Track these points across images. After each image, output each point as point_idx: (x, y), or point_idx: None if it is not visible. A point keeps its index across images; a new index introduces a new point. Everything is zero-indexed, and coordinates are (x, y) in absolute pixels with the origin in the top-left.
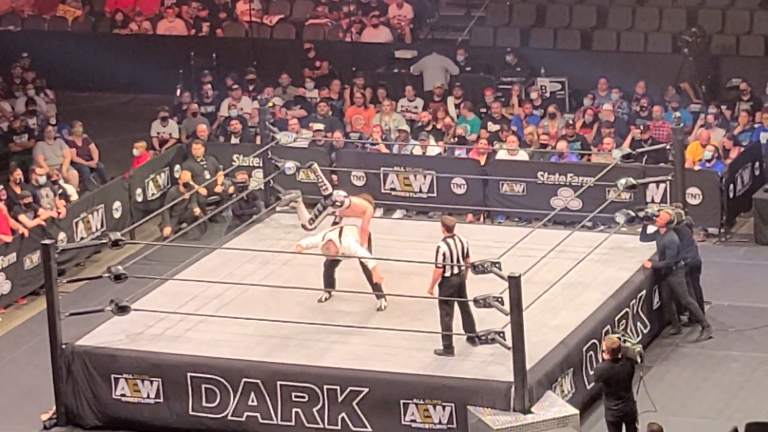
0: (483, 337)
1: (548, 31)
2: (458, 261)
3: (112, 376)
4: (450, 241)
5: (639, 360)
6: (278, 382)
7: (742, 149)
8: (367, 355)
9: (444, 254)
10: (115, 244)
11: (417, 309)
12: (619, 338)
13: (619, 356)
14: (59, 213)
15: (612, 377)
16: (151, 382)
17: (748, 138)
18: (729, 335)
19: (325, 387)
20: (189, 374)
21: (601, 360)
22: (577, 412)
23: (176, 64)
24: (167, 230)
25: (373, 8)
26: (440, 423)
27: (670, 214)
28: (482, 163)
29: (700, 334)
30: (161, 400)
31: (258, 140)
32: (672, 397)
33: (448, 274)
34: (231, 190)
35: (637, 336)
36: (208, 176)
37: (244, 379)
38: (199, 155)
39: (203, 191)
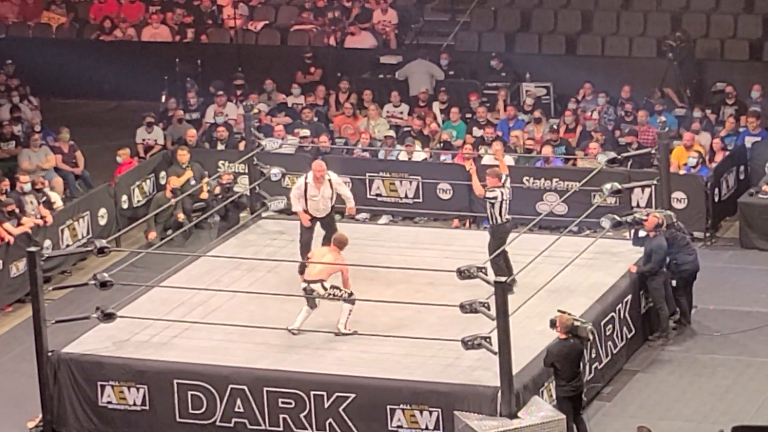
0: (469, 342)
1: (533, 36)
2: (507, 209)
3: (98, 383)
4: (500, 190)
5: (590, 338)
6: (264, 388)
7: (728, 153)
8: (354, 361)
9: (496, 197)
10: (101, 251)
11: (403, 315)
12: (570, 316)
13: (570, 334)
14: (45, 220)
15: (565, 356)
16: (137, 389)
17: (733, 142)
18: (714, 339)
19: (312, 393)
20: (175, 381)
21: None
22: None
23: (161, 70)
24: (152, 235)
25: (358, 14)
26: (427, 428)
27: (658, 218)
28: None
29: (657, 338)
30: (147, 407)
31: (243, 146)
32: (658, 401)
33: (501, 221)
34: (217, 190)
35: (622, 340)
36: (193, 182)
37: (231, 386)
38: (184, 161)
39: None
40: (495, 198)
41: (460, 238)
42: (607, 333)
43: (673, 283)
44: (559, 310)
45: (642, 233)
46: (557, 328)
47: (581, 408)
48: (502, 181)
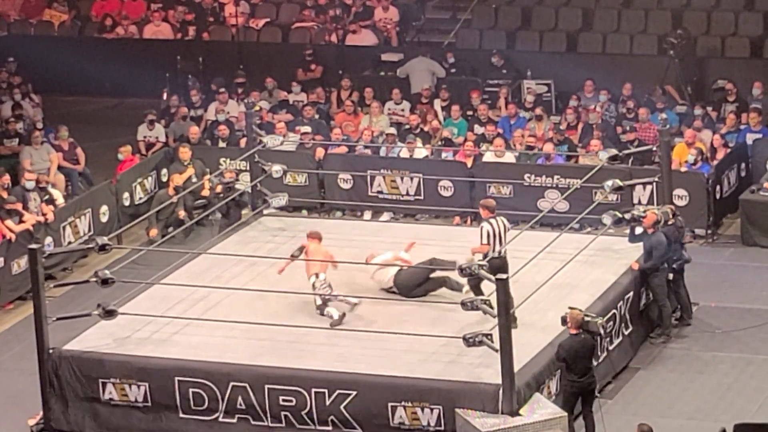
0: (471, 340)
1: (534, 34)
2: (501, 240)
3: (100, 380)
4: (492, 221)
5: (601, 332)
6: (266, 386)
7: (729, 150)
8: (355, 358)
9: (488, 233)
10: (102, 248)
11: (404, 311)
12: (581, 311)
13: (581, 329)
14: (47, 218)
15: (576, 352)
16: (139, 386)
17: (734, 139)
18: (716, 336)
19: (313, 390)
20: (176, 378)
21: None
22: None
23: (163, 68)
24: (153, 232)
25: (360, 12)
26: (428, 425)
27: (656, 215)
28: (469, 165)
29: (658, 335)
30: (149, 404)
31: (244, 143)
32: (659, 399)
33: (492, 253)
34: (219, 189)
35: (619, 337)
36: (195, 180)
37: (232, 383)
38: (185, 159)
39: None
40: (486, 233)
41: (461, 236)
42: (608, 330)
43: (670, 277)
44: (569, 307)
45: (638, 230)
46: (568, 324)
47: (592, 404)
48: (494, 213)
